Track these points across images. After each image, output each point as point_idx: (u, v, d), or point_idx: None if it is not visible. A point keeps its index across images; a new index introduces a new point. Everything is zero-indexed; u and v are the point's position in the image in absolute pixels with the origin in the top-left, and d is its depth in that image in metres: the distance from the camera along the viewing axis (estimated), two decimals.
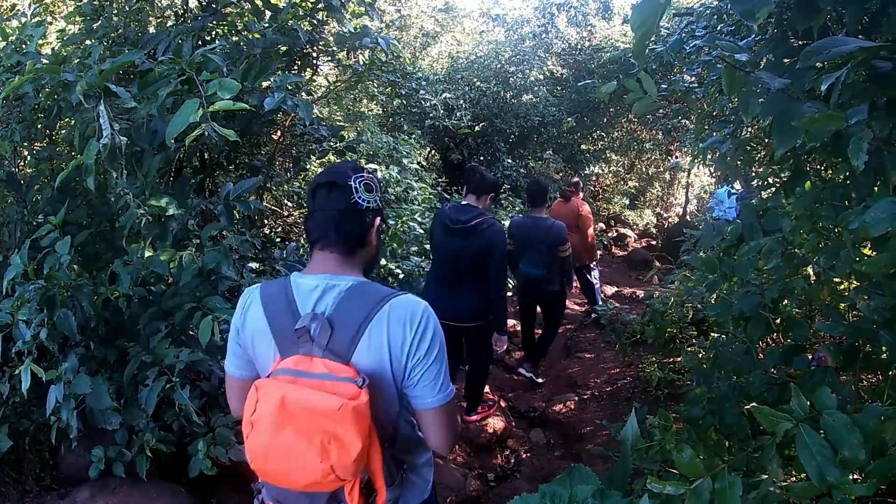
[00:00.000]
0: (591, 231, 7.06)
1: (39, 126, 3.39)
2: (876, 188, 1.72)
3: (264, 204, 5.52)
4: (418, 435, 1.84)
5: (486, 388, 5.20)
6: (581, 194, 7.35)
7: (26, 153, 3.67)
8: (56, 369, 2.70)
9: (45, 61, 2.88)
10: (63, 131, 3.61)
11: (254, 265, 3.82)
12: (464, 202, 4.10)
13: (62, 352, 2.89)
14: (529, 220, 5.20)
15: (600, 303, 7.26)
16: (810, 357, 2.22)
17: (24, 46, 3.15)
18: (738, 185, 4.77)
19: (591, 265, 7.33)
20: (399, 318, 1.60)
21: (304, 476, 1.51)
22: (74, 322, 2.73)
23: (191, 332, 3.09)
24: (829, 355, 2.07)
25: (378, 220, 1.78)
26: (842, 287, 2.78)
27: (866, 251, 2.02)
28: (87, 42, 3.71)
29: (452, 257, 4.03)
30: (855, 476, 1.41)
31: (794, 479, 1.86)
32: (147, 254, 2.85)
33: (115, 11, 3.89)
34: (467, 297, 4.11)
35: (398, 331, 1.59)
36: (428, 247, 5.35)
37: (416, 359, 1.63)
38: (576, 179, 7.61)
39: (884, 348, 1.87)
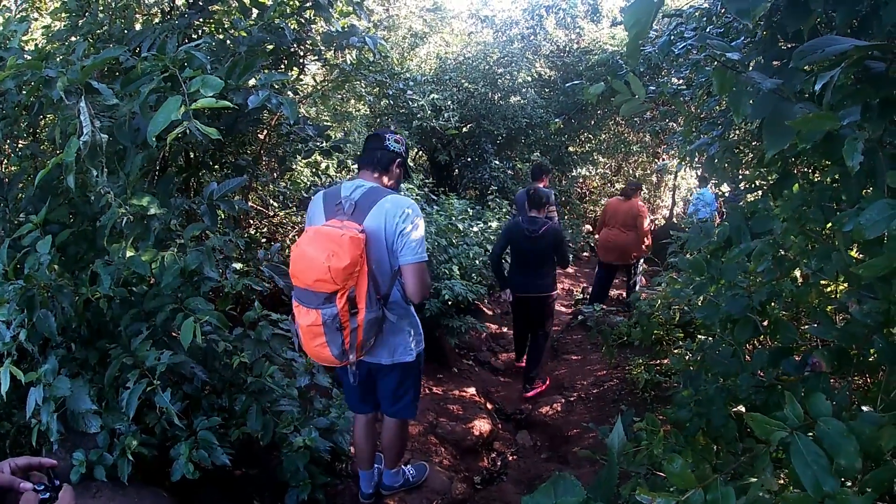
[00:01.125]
0: (646, 228, 7.60)
1: (22, 123, 3.34)
2: (865, 190, 1.72)
3: (250, 204, 5.47)
4: (405, 303, 2.98)
5: (474, 391, 5.20)
6: (641, 194, 8.09)
7: (9, 150, 3.61)
8: (36, 371, 2.65)
9: (27, 57, 2.83)
10: (46, 129, 3.56)
11: (237, 265, 3.78)
12: (530, 215, 5.63)
13: (42, 353, 2.84)
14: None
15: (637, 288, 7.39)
16: (798, 359, 2.21)
17: (7, 42, 3.10)
18: (724, 187, 4.77)
19: (640, 260, 7.93)
20: (393, 205, 2.75)
21: (313, 274, 2.57)
22: (54, 323, 2.69)
23: (173, 334, 3.05)
24: (823, 360, 2.06)
25: (398, 160, 3.01)
26: (829, 289, 2.78)
27: (853, 253, 2.01)
28: (72, 39, 3.66)
29: (529, 253, 5.58)
30: (849, 484, 1.39)
31: (783, 481, 1.85)
32: (129, 254, 2.81)
33: (101, 8, 3.84)
34: (538, 279, 5.65)
35: (392, 212, 2.74)
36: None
37: (399, 230, 2.74)
38: (637, 181, 8.19)
39: (872, 352, 1.87)
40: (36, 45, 4.22)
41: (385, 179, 2.97)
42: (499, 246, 5.73)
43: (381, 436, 3.50)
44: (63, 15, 3.92)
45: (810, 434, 1.34)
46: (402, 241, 2.73)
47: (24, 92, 2.89)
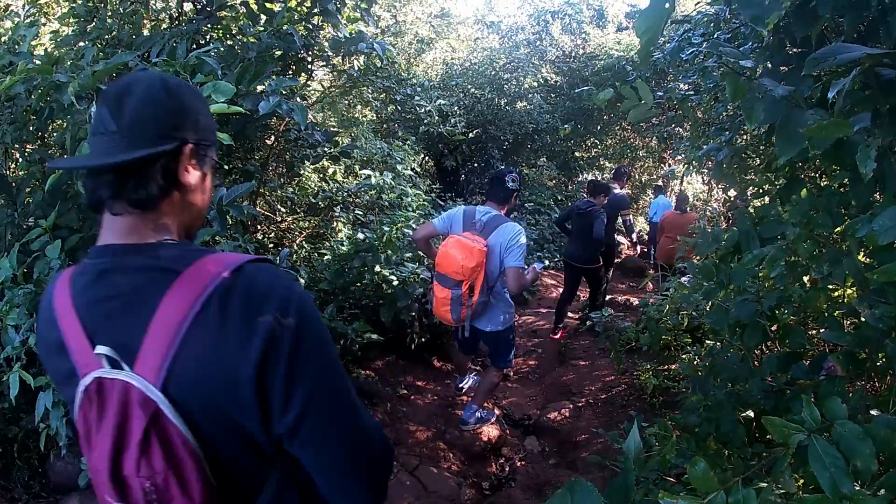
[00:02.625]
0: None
1: (31, 128, 3.36)
2: (875, 195, 1.72)
3: (257, 209, 5.49)
4: (504, 292, 4.21)
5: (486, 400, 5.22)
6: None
7: (17, 155, 3.63)
8: (45, 376, 2.66)
9: (37, 62, 2.85)
10: (55, 133, 3.58)
11: None
12: (586, 198, 6.90)
13: None
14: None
15: None
16: (808, 364, 2.21)
17: (16, 47, 3.13)
18: (731, 192, 4.76)
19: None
20: (508, 229, 3.91)
21: (451, 267, 3.87)
22: None
23: None
24: (838, 365, 2.05)
25: (515, 193, 4.22)
26: (837, 294, 2.78)
27: (860, 257, 2.01)
28: (81, 43, 3.69)
29: (580, 228, 6.83)
30: (862, 485, 1.39)
31: (798, 485, 1.85)
32: None
33: (110, 13, 3.87)
34: (586, 251, 6.91)
35: (507, 234, 3.89)
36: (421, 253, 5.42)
37: (508, 246, 3.88)
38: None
39: (882, 356, 1.86)
40: (45, 49, 4.25)
41: (504, 209, 4.18)
42: (561, 217, 7.56)
43: (483, 378, 4.85)
44: (71, 20, 3.95)
45: (828, 438, 1.35)
46: (508, 252, 3.91)
47: (34, 97, 2.91)
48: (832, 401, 1.39)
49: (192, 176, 1.17)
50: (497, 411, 5.29)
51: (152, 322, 1.03)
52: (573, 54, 13.47)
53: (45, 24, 4.83)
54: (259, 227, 6.04)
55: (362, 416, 1.16)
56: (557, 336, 7.29)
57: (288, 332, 1.04)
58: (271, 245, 5.83)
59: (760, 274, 2.29)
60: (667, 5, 1.39)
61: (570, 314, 8.20)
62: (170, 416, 1.01)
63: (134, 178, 1.09)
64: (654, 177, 15.27)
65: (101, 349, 1.05)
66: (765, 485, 1.56)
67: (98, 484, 1.09)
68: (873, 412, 1.83)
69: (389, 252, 5.28)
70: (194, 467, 1.04)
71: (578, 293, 7.76)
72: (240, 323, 1.02)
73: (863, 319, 1.89)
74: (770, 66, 2.16)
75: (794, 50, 2.13)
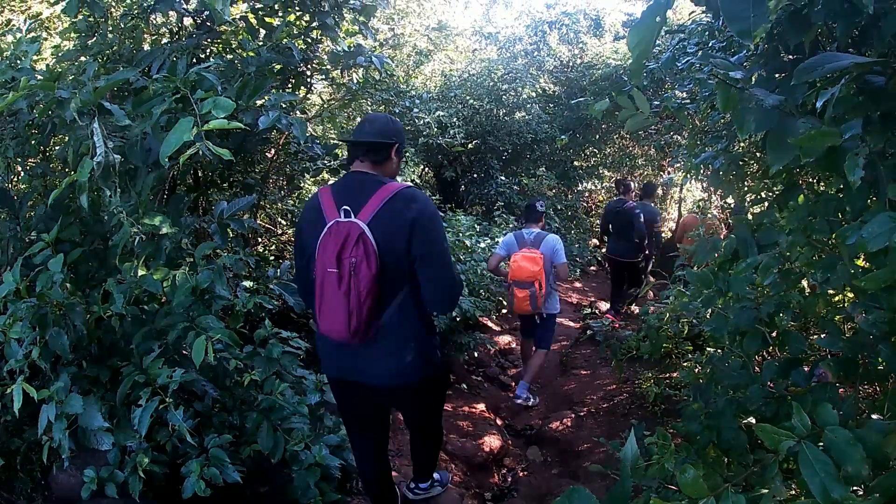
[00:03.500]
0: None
1: (33, 142, 3.38)
2: (870, 201, 1.73)
3: (258, 222, 5.51)
4: (554, 285, 5.59)
5: (484, 407, 5.21)
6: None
7: (20, 169, 3.66)
8: (48, 388, 2.67)
9: (39, 77, 2.88)
10: (57, 148, 3.60)
11: (247, 283, 3.80)
12: (620, 197, 8.05)
13: (54, 371, 2.86)
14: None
15: None
16: (807, 369, 2.22)
17: (18, 62, 3.15)
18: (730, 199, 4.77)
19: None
20: (552, 240, 5.47)
21: (525, 274, 5.33)
22: (66, 341, 2.71)
23: (184, 352, 3.07)
24: (829, 371, 2.06)
25: (543, 214, 5.75)
26: (836, 299, 2.78)
27: (860, 262, 2.02)
28: (82, 59, 3.71)
29: (619, 226, 7.87)
30: (856, 489, 1.40)
31: (794, 492, 1.85)
32: (140, 272, 2.83)
33: (110, 28, 3.90)
34: (628, 246, 7.85)
35: (552, 243, 5.44)
36: None
37: (554, 251, 5.43)
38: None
39: (880, 360, 1.87)
40: (46, 65, 4.28)
41: (540, 225, 5.69)
42: (602, 226, 8.56)
43: (532, 360, 5.80)
44: (72, 35, 3.98)
45: (819, 443, 1.36)
46: (556, 254, 5.46)
47: (36, 112, 2.93)
48: (823, 407, 1.40)
49: (394, 158, 2.69)
50: (499, 421, 5.30)
51: (368, 200, 2.46)
52: (571, 64, 13.51)
53: (46, 39, 4.87)
54: (260, 239, 6.06)
55: (450, 264, 2.57)
56: (613, 320, 8.00)
57: (421, 216, 2.44)
58: (272, 257, 5.84)
59: (757, 280, 2.30)
60: (658, 19, 1.41)
61: (570, 323, 8.23)
62: (368, 235, 2.39)
63: (374, 150, 2.59)
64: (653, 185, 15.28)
65: (344, 209, 2.47)
66: (766, 491, 1.57)
67: (323, 266, 2.44)
68: (874, 416, 1.84)
69: None
70: (374, 258, 2.39)
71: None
72: (403, 208, 2.43)
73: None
74: (764, 73, 2.18)
75: (789, 57, 2.15)
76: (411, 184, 3.14)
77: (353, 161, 2.63)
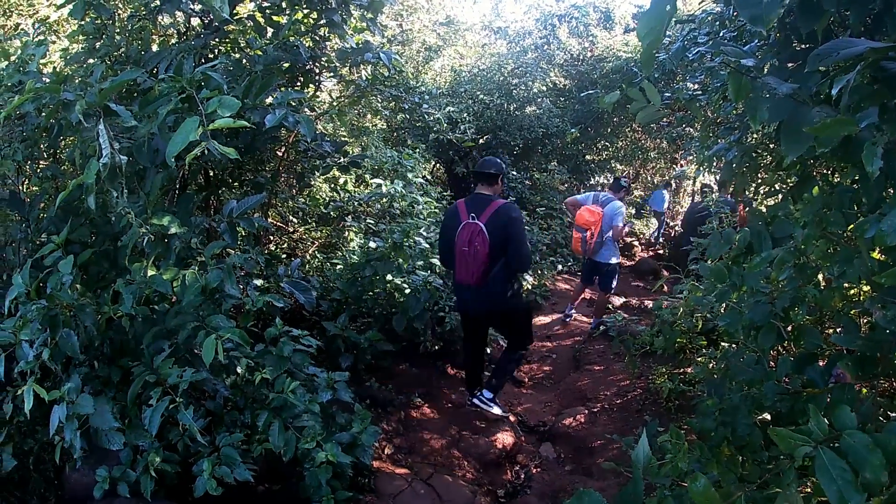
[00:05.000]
0: None
1: (42, 145, 3.39)
2: (886, 193, 1.69)
3: (269, 220, 5.51)
4: (609, 240, 7.00)
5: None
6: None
7: (30, 172, 3.67)
8: (59, 389, 2.68)
9: (46, 80, 2.88)
10: (67, 150, 3.61)
11: (258, 282, 3.80)
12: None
13: (65, 371, 2.87)
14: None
15: None
16: (823, 365, 2.18)
17: (25, 66, 3.16)
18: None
19: None
20: (614, 205, 6.89)
21: (583, 221, 6.92)
22: (77, 342, 2.72)
23: (195, 351, 3.07)
24: (847, 371, 2.02)
25: (626, 188, 7.47)
26: (852, 293, 2.74)
27: (875, 255, 1.98)
28: (90, 61, 3.72)
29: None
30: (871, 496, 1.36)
31: (809, 489, 1.81)
32: (150, 273, 2.83)
33: (118, 30, 3.90)
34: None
35: (613, 208, 6.87)
36: (434, 261, 5.46)
37: (614, 213, 6.84)
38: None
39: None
40: (54, 67, 4.29)
41: (619, 196, 7.05)
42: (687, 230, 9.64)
43: (597, 300, 7.70)
44: (80, 37, 3.98)
45: (836, 445, 1.32)
46: (613, 216, 6.78)
47: (44, 115, 2.94)
48: (841, 409, 1.36)
49: (499, 184, 4.63)
50: (512, 418, 5.27)
51: (485, 210, 4.37)
52: (581, 57, 13.43)
53: (54, 43, 4.88)
54: (271, 237, 6.06)
55: (525, 245, 4.43)
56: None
57: (510, 220, 4.36)
58: (284, 255, 5.84)
59: (772, 275, 2.26)
60: (668, 7, 1.38)
61: (583, 318, 8.20)
62: (485, 231, 4.31)
63: (489, 179, 4.53)
64: (666, 177, 15.19)
65: (472, 215, 4.39)
66: (779, 490, 1.54)
67: (460, 245, 4.39)
68: (892, 414, 1.80)
69: (401, 261, 5.27)
70: (487, 243, 4.32)
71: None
72: (502, 215, 4.36)
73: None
74: (777, 62, 2.14)
75: (801, 46, 2.11)
76: (509, 200, 5.18)
77: (477, 185, 4.64)
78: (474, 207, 4.42)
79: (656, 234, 13.96)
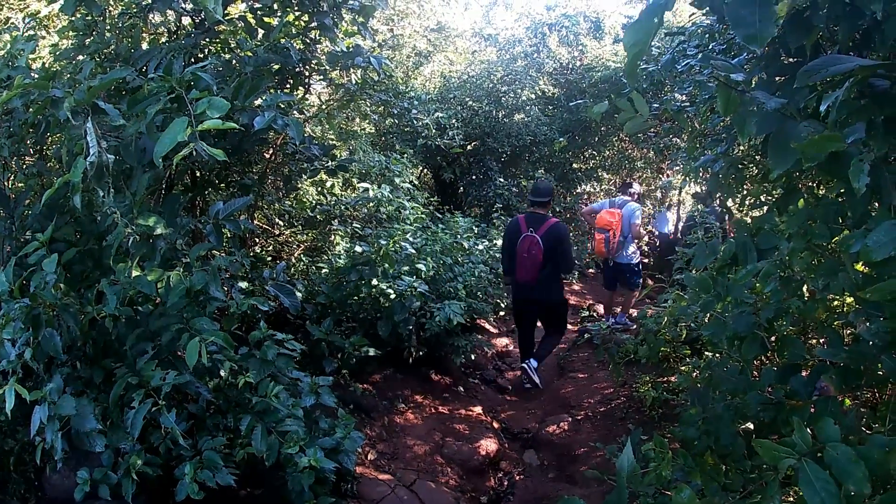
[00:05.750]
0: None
1: (29, 141, 3.36)
2: (872, 206, 1.71)
3: (255, 222, 5.48)
4: (630, 241, 7.37)
5: (480, 410, 5.20)
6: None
7: (15, 168, 3.63)
8: (41, 389, 2.65)
9: (35, 76, 2.85)
10: (53, 146, 3.58)
11: (243, 285, 3.78)
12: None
13: (47, 372, 2.85)
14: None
15: None
16: (806, 376, 2.19)
17: (14, 61, 3.13)
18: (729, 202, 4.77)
19: None
20: (631, 207, 7.31)
21: (604, 223, 7.26)
22: (60, 342, 2.69)
23: (179, 354, 3.05)
24: (831, 384, 2.04)
25: (639, 194, 8.01)
26: (836, 304, 2.76)
27: (859, 267, 2.00)
28: (80, 57, 3.69)
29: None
30: None
31: (792, 499, 1.82)
32: (134, 273, 2.81)
33: (108, 27, 3.88)
34: None
35: (630, 209, 7.30)
36: (420, 266, 5.43)
37: (632, 215, 7.27)
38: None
39: (880, 366, 1.85)
40: (43, 63, 4.25)
41: (634, 198, 7.47)
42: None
43: (625, 298, 7.90)
44: (70, 33, 3.96)
45: (820, 459, 1.32)
46: (632, 217, 7.20)
47: (31, 111, 2.91)
48: (825, 422, 1.37)
49: (551, 204, 6.22)
50: (495, 424, 5.27)
51: (541, 226, 5.79)
52: (570, 66, 13.48)
53: (44, 38, 4.84)
54: (257, 240, 6.03)
55: (570, 254, 6.03)
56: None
57: (559, 235, 5.81)
58: (269, 258, 5.81)
59: (756, 287, 2.27)
60: (655, 20, 1.39)
61: (568, 325, 8.22)
62: (540, 242, 5.72)
63: (543, 204, 5.97)
64: (653, 187, 15.25)
65: (530, 229, 5.81)
66: (760, 497, 1.54)
67: (520, 252, 5.83)
68: (875, 425, 1.81)
69: (387, 265, 5.26)
70: (541, 252, 5.73)
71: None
72: (553, 230, 5.79)
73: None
74: (765, 76, 2.16)
75: (790, 60, 2.13)
76: (556, 218, 6.21)
77: (532, 205, 6.02)
78: (532, 223, 5.85)
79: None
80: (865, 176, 1.34)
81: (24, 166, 3.63)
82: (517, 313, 6.36)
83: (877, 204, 1.66)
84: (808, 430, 1.41)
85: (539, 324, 6.35)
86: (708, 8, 2.03)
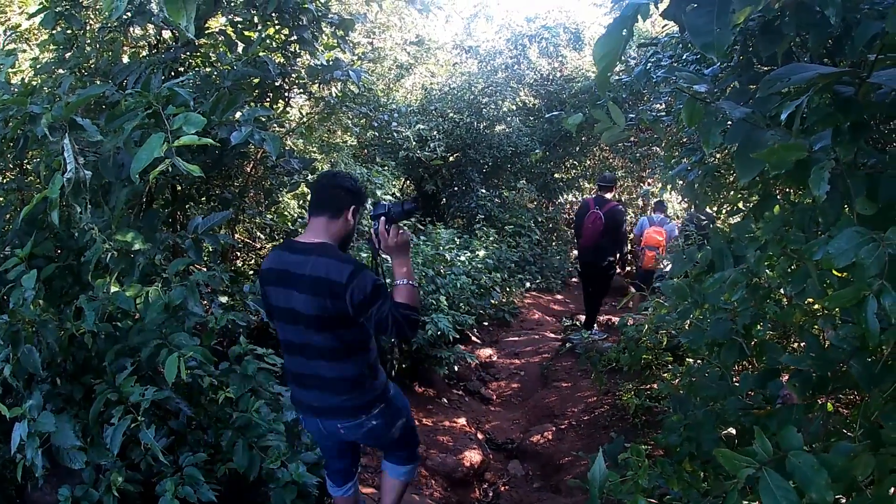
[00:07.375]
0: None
1: (9, 156, 3.34)
2: (843, 212, 1.73)
3: (236, 236, 5.47)
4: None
5: (464, 421, 5.18)
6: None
7: None
8: (20, 406, 2.62)
9: (14, 91, 2.84)
10: (33, 161, 3.55)
11: (223, 299, 3.76)
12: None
13: (27, 388, 2.81)
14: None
15: None
16: (783, 381, 2.22)
17: None
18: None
19: None
20: (671, 224, 8.88)
21: (653, 241, 8.50)
22: (39, 358, 2.67)
23: (158, 369, 3.03)
24: (794, 392, 2.06)
25: (666, 207, 9.72)
26: (816, 307, 2.79)
27: (835, 271, 2.03)
28: (59, 71, 3.68)
29: None
30: None
31: None
32: (113, 289, 2.79)
33: (89, 41, 3.87)
34: None
35: (671, 226, 8.80)
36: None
37: (671, 231, 8.66)
38: None
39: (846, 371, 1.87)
40: (23, 78, 4.23)
41: (662, 215, 8.92)
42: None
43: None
44: (51, 47, 3.94)
45: (784, 468, 1.33)
46: (671, 233, 8.43)
47: (10, 126, 2.89)
48: (787, 430, 1.38)
49: (614, 191, 8.30)
50: (480, 435, 5.27)
51: (605, 205, 7.37)
52: (551, 77, 13.58)
53: (24, 52, 4.81)
54: (238, 254, 6.01)
55: (625, 231, 7.96)
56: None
57: (616, 215, 7.32)
58: (251, 272, 5.79)
59: (725, 297, 2.30)
60: (624, 32, 1.41)
61: (551, 335, 8.25)
62: (603, 217, 7.36)
63: (608, 188, 7.64)
64: (634, 196, 15.37)
65: (596, 207, 7.51)
66: None
67: (586, 224, 7.30)
68: (846, 432, 1.83)
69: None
70: (602, 225, 7.22)
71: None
72: (613, 209, 7.30)
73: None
74: (738, 85, 2.19)
75: (763, 68, 2.17)
76: (617, 202, 7.62)
77: (600, 189, 7.48)
78: (598, 204, 7.27)
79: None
80: (826, 184, 1.36)
81: (4, 181, 3.60)
82: (583, 276, 8.03)
83: (847, 209, 1.69)
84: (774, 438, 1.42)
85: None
86: (673, 19, 2.06)
